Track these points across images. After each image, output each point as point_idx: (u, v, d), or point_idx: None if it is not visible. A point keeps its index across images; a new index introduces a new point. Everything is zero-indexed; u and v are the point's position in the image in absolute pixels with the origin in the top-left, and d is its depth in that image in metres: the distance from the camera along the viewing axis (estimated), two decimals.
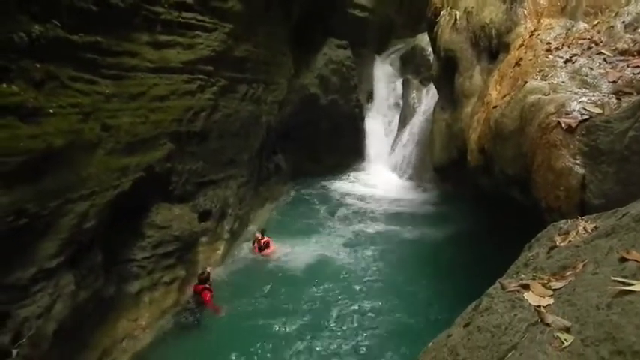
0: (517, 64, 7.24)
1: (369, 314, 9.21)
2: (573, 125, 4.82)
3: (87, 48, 7.01)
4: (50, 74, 6.12)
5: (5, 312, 5.44)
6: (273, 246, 11.69)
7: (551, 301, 2.18)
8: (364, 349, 8.23)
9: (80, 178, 6.72)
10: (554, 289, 2.29)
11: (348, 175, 19.31)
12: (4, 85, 5.36)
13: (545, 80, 6.01)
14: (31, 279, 5.79)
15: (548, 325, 1.96)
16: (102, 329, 7.82)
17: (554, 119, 5.16)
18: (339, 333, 8.61)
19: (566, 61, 6.16)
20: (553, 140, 5.08)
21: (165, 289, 9.21)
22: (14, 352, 5.35)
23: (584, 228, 3.03)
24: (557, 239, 3.04)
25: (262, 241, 11.60)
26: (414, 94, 19.64)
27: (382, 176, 18.83)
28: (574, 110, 5.01)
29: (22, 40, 5.64)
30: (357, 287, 10.24)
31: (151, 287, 8.92)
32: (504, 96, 7.05)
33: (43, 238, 6.03)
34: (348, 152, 19.74)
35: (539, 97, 5.67)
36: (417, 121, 18.28)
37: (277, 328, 8.76)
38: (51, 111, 6.00)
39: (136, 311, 8.61)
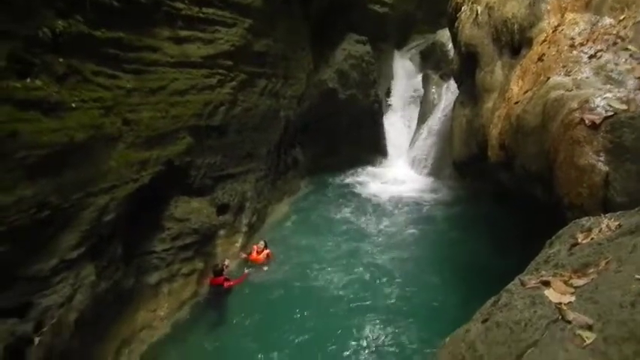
0: (540, 59, 7.09)
1: (384, 313, 9.19)
2: (597, 122, 4.72)
3: (109, 43, 7.10)
4: (73, 69, 6.21)
5: (27, 302, 5.55)
6: (268, 257, 11.08)
7: (573, 298, 2.15)
8: (385, 346, 8.26)
9: (100, 171, 6.82)
10: (575, 287, 2.26)
11: (366, 170, 19.19)
12: (28, 80, 5.46)
13: (568, 76, 5.89)
14: (53, 270, 5.90)
15: (569, 322, 1.94)
16: (121, 320, 7.95)
17: (578, 115, 5.05)
18: (352, 334, 8.61)
19: (590, 57, 6.01)
20: (576, 137, 4.98)
21: (183, 281, 9.33)
22: (36, 340, 5.46)
23: (607, 225, 2.97)
24: (580, 236, 2.98)
25: (263, 252, 11.02)
26: (433, 89, 19.42)
27: (400, 171, 18.68)
28: (598, 106, 4.89)
29: (46, 36, 5.73)
30: (370, 285, 10.24)
31: (170, 279, 9.05)
32: (526, 92, 6.93)
33: (64, 230, 6.13)
34: (367, 147, 19.63)
35: (563, 93, 5.56)
36: (437, 117, 18.08)
37: (292, 322, 8.86)
38: (73, 105, 6.09)
39: (155, 302, 8.75)
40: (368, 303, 9.43)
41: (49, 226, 5.83)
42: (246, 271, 10.04)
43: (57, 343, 5.81)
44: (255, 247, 11.16)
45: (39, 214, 5.55)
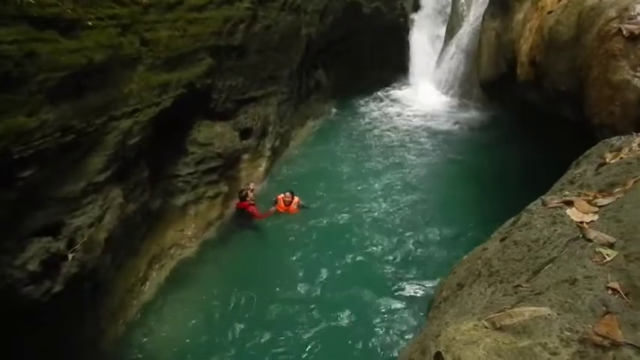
0: None
1: (404, 235, 9.44)
2: (636, 32, 4.39)
3: None
4: None
5: (60, 221, 5.79)
6: (299, 206, 10.34)
7: (596, 217, 2.10)
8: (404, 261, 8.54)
9: (122, 95, 6.77)
10: (599, 206, 2.20)
11: (391, 92, 18.75)
12: None
13: None
14: (82, 192, 6.07)
15: (590, 240, 1.90)
16: (151, 238, 8.34)
17: (615, 25, 4.70)
18: (378, 257, 8.95)
19: None
20: (612, 50, 4.67)
21: (209, 203, 9.61)
22: (70, 256, 5.76)
23: (638, 144, 2.83)
24: (608, 156, 2.87)
25: (293, 201, 10.18)
26: (463, 0, 18.26)
27: (426, 93, 18.14)
28: (639, 15, 4.54)
29: None
30: (395, 208, 10.45)
31: (196, 201, 9.32)
32: None
33: (90, 154, 6.22)
34: (392, 68, 19.05)
35: (601, 0, 5.16)
36: (465, 32, 17.07)
37: (313, 242, 9.27)
38: (89, 24, 5.93)
39: (182, 223, 9.09)
40: (392, 226, 9.71)
41: (75, 149, 5.91)
42: (272, 208, 9.92)
43: (89, 259, 6.11)
44: (280, 197, 10.22)
45: (63, 138, 5.59)
